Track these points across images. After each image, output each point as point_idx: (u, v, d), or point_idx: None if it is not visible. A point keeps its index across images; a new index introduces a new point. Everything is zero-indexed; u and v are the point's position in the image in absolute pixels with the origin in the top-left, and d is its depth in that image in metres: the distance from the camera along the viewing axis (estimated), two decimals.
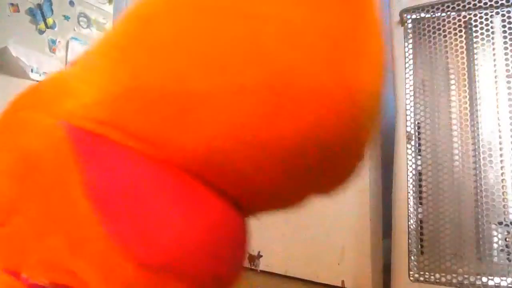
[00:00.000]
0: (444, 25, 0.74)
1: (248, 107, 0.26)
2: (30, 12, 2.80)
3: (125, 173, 0.28)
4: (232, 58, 0.26)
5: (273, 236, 1.01)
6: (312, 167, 0.29)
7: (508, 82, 0.68)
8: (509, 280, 0.60)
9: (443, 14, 0.74)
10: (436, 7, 0.74)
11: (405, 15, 0.77)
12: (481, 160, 0.67)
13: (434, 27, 0.74)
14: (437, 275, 0.68)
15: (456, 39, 0.73)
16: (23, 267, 0.29)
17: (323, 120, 0.26)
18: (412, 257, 0.71)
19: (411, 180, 0.73)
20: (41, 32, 2.86)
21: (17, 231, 0.30)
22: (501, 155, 0.66)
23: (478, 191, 0.67)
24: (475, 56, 0.71)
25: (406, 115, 0.75)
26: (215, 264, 0.29)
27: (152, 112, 0.27)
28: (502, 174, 0.65)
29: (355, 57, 0.27)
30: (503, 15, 0.69)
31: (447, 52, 0.74)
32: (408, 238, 0.72)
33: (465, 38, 0.72)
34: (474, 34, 0.71)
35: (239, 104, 0.26)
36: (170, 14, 0.28)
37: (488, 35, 0.70)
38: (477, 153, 0.68)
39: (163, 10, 0.29)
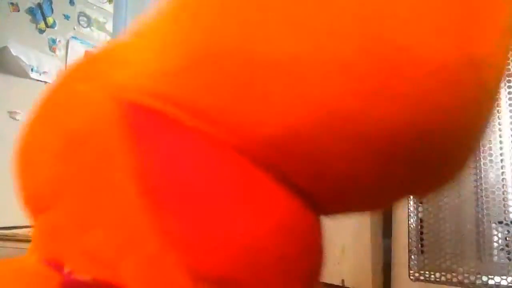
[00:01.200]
0: None
1: (348, 82, 0.21)
2: (30, 11, 2.80)
3: (187, 160, 0.24)
4: (339, 21, 0.21)
5: None
6: (417, 162, 0.24)
7: (509, 81, 0.68)
8: (509, 279, 0.60)
9: None
10: None
11: None
12: (481, 159, 0.67)
13: None
14: (437, 274, 0.68)
15: None
16: (66, 259, 0.26)
17: (444, 105, 0.22)
18: (412, 256, 0.71)
19: None
20: (41, 31, 2.86)
21: (62, 218, 0.27)
22: (501, 154, 0.66)
23: (478, 190, 0.66)
24: None
25: None
26: (286, 278, 0.24)
27: (227, 84, 0.22)
28: (502, 173, 0.65)
29: (484, 29, 0.23)
30: None
31: None
32: (408, 237, 0.72)
33: None
34: None
35: (337, 78, 0.21)
36: None
37: None
38: (477, 151, 0.68)
39: None
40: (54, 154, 0.29)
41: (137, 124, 0.25)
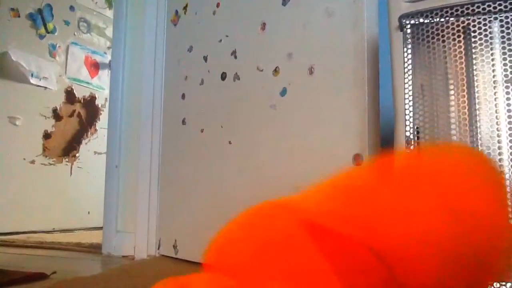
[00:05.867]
0: (442, 30, 0.74)
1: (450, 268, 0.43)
2: (31, 17, 2.80)
3: (346, 252, 0.43)
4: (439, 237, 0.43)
5: None
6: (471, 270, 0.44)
7: (507, 87, 0.68)
8: (508, 285, 0.60)
9: (442, 19, 0.74)
10: (435, 12, 0.75)
11: (404, 20, 0.77)
12: None
13: (432, 32, 0.75)
14: None
15: (454, 44, 0.73)
16: None
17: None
18: None
19: None
20: (41, 37, 2.87)
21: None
22: (500, 160, 0.66)
23: None
24: (474, 61, 0.72)
25: (405, 120, 0.75)
26: None
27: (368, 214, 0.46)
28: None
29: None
30: (501, 21, 0.70)
31: (445, 57, 0.74)
32: None
33: (463, 44, 0.73)
34: (473, 40, 0.71)
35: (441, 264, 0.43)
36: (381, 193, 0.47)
37: (486, 41, 0.71)
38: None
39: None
40: (251, 250, 0.46)
41: (315, 233, 0.43)
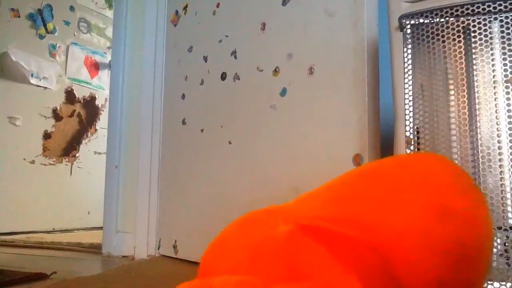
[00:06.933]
0: (443, 31, 0.74)
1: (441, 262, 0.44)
2: (31, 17, 2.80)
3: (343, 250, 0.43)
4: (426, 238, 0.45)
5: None
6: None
7: (507, 87, 0.68)
8: (508, 285, 0.60)
9: (442, 19, 0.74)
10: (435, 12, 0.75)
11: (404, 20, 0.77)
12: (480, 165, 0.67)
13: (433, 32, 0.75)
14: None
15: (454, 45, 0.73)
16: None
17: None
18: None
19: None
20: (41, 37, 2.87)
21: None
22: (500, 160, 0.66)
23: None
24: (474, 62, 0.72)
25: (405, 120, 0.75)
26: None
27: (362, 213, 0.47)
28: (501, 179, 0.65)
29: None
30: (501, 21, 0.70)
31: (445, 57, 0.74)
32: None
33: (463, 44, 0.73)
34: (473, 40, 0.71)
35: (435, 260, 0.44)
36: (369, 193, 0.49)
37: (486, 41, 0.71)
38: (476, 158, 0.68)
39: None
40: (245, 254, 0.47)
41: (314, 233, 0.45)
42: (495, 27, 0.70)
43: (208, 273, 0.50)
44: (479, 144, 0.68)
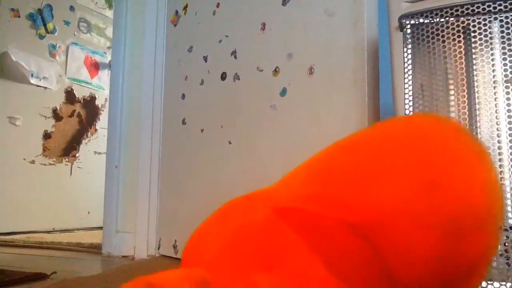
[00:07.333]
0: (443, 31, 0.74)
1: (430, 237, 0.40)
2: (31, 17, 2.80)
3: (325, 229, 0.42)
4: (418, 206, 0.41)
5: None
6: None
7: (507, 87, 0.68)
8: (508, 285, 0.60)
9: (442, 19, 0.74)
10: (435, 12, 0.75)
11: (404, 20, 0.77)
12: None
13: (433, 32, 0.75)
14: None
15: (454, 45, 0.73)
16: None
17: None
18: None
19: None
20: (41, 37, 2.87)
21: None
22: (499, 160, 0.66)
23: None
24: (474, 62, 0.72)
25: None
26: None
27: (342, 190, 0.44)
28: (500, 179, 0.65)
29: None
30: (501, 21, 0.70)
31: (445, 57, 0.74)
32: None
33: (463, 44, 0.73)
34: (473, 40, 0.71)
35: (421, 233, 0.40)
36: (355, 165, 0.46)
37: (486, 41, 0.71)
38: None
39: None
40: (225, 240, 0.45)
41: (290, 217, 0.43)
42: (495, 27, 0.70)
43: (189, 266, 0.48)
44: None
